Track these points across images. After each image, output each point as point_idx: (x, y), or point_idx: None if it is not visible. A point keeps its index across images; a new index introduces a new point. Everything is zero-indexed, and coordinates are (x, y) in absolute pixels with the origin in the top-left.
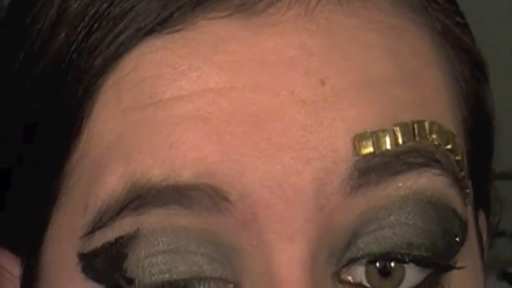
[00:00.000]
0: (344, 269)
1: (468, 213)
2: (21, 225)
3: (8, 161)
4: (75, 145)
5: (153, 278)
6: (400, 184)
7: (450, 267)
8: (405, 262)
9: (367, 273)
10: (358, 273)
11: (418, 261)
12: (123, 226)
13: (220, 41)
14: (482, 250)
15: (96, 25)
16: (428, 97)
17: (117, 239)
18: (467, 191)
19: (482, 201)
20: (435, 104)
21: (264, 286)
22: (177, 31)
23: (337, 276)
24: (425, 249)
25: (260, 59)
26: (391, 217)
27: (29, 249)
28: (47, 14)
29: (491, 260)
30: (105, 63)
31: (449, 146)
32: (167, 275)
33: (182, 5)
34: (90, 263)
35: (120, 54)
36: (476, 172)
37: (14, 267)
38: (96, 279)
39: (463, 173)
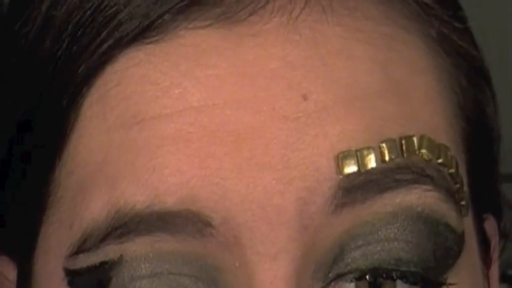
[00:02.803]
0: (332, 284)
1: (466, 223)
2: (15, 231)
3: (0, 164)
4: (60, 156)
5: None
6: (387, 201)
7: (440, 284)
8: (393, 279)
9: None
10: None
11: (406, 277)
12: (107, 252)
13: (201, 53)
14: (488, 257)
15: (79, 32)
16: (420, 108)
17: (101, 263)
18: (463, 203)
19: (490, 206)
20: (428, 115)
21: None
22: (158, 41)
23: None
24: (414, 265)
25: (241, 72)
26: (379, 232)
27: (23, 255)
28: (35, 19)
29: None
30: (89, 72)
31: (440, 160)
32: None
33: (163, 14)
34: (75, 279)
35: (103, 63)
36: (482, 178)
37: (11, 273)
38: None
39: (457, 185)
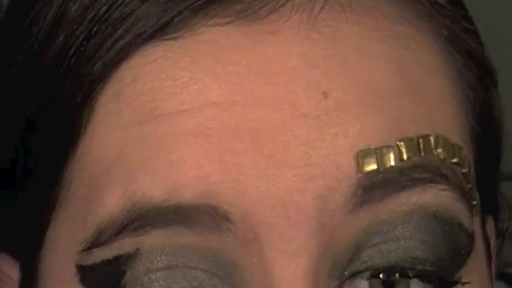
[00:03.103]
0: (347, 282)
1: (475, 223)
2: (20, 229)
3: (8, 163)
4: (73, 154)
5: None
6: (404, 200)
7: (455, 283)
8: (409, 277)
9: (370, 287)
10: (362, 286)
11: (422, 277)
12: (122, 246)
13: (220, 50)
14: (490, 257)
15: (95, 29)
16: (434, 108)
17: (115, 257)
18: (474, 202)
19: (490, 206)
20: (441, 115)
21: None
22: (177, 38)
23: None
24: (429, 264)
25: (261, 69)
26: (396, 231)
27: (28, 253)
28: (45, 16)
29: None
30: (104, 69)
31: (455, 160)
32: None
33: (182, 10)
34: (88, 275)
35: (120, 60)
36: (484, 178)
37: (13, 272)
38: None
39: (469, 185)
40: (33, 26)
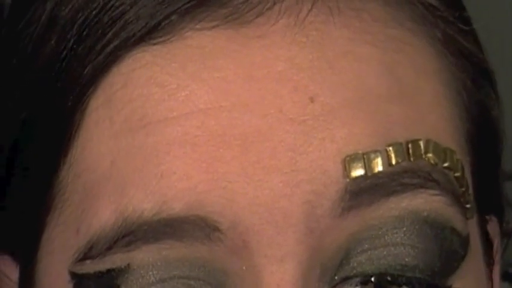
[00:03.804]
0: (337, 287)
1: (471, 226)
2: (18, 231)
3: (4, 165)
4: (65, 158)
5: None
6: (393, 205)
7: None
8: (399, 285)
9: None
10: None
11: (412, 284)
12: (114, 260)
13: (207, 55)
14: (491, 257)
15: (85, 33)
16: (427, 112)
17: (108, 271)
18: (468, 205)
19: (493, 206)
20: (434, 118)
21: None
22: (165, 42)
23: None
24: (420, 270)
25: (248, 74)
26: (385, 237)
27: (26, 255)
28: (39, 19)
29: None
30: (95, 73)
31: (446, 164)
32: None
33: (170, 14)
34: (82, 283)
35: (110, 64)
36: (485, 179)
37: (13, 273)
38: None
39: (463, 189)
40: (27, 28)
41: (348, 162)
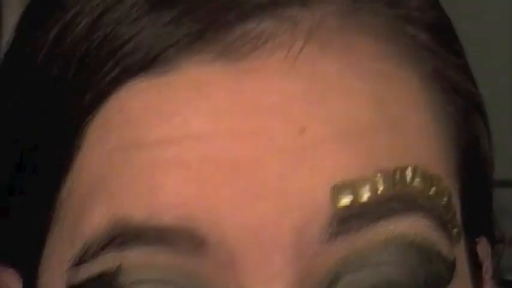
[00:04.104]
0: None
1: (458, 250)
2: (20, 246)
3: (8, 182)
4: (65, 180)
5: None
6: (382, 229)
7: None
8: None
9: None
10: None
11: None
12: (106, 261)
13: (202, 85)
14: (478, 279)
15: (86, 62)
16: (414, 141)
17: (100, 274)
18: (455, 230)
19: (484, 228)
20: (421, 147)
21: None
22: (162, 73)
23: None
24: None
25: (241, 105)
26: (372, 258)
27: (27, 269)
28: (43, 45)
29: None
30: (94, 102)
31: (433, 191)
32: None
33: (167, 47)
34: None
35: (108, 93)
36: (476, 204)
37: (15, 285)
38: None
39: (449, 215)
40: (32, 54)
41: (336, 191)
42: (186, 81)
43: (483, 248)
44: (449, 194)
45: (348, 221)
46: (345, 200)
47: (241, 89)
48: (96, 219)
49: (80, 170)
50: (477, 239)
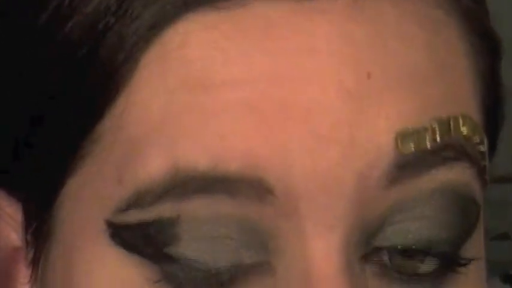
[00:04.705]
0: (369, 254)
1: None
2: (35, 171)
3: (42, 104)
4: (110, 110)
5: (193, 264)
6: (432, 177)
7: (466, 262)
8: (424, 255)
9: (389, 253)
10: (383, 257)
11: (437, 256)
12: (163, 211)
13: (271, 25)
14: None
15: None
16: (460, 90)
17: (154, 221)
18: (487, 177)
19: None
20: (466, 96)
21: (299, 271)
22: (227, 9)
23: (364, 259)
24: (444, 243)
25: (310, 47)
26: (417, 209)
27: (42, 197)
28: None
29: (494, 263)
30: (149, 30)
31: (477, 138)
32: (208, 261)
33: None
34: (121, 233)
35: (166, 22)
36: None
37: (14, 211)
38: (127, 247)
39: (485, 162)
40: None
41: (400, 138)
42: (253, 20)
43: None
44: (485, 140)
45: (406, 168)
46: (408, 147)
47: (309, 31)
48: (153, 165)
49: (131, 106)
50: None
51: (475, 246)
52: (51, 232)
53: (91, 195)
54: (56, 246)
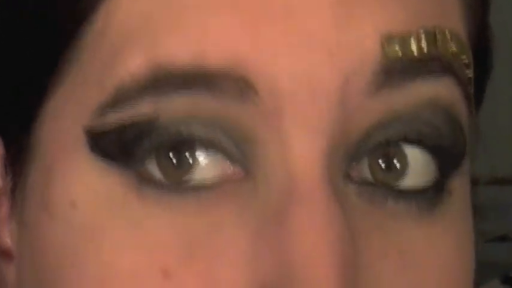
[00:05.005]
0: (353, 165)
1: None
2: (9, 98)
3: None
4: (92, 17)
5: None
6: (418, 88)
7: (461, 160)
8: (412, 142)
9: (371, 168)
10: (363, 169)
11: (423, 143)
12: (141, 107)
13: None
14: None
15: None
16: (449, 9)
17: (133, 123)
18: (473, 109)
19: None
20: (454, 16)
21: (279, 178)
22: None
23: (347, 175)
24: (431, 138)
25: None
26: (404, 117)
27: (18, 125)
28: None
29: (494, 264)
30: None
31: (465, 59)
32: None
33: None
34: (100, 141)
35: None
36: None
37: None
38: (107, 157)
39: (471, 89)
40: None
41: (386, 42)
42: None
43: None
44: (472, 68)
45: (392, 74)
46: (393, 52)
47: None
48: (135, 61)
49: (112, 13)
50: None
51: (462, 186)
52: (31, 156)
53: (75, 109)
54: (35, 168)
